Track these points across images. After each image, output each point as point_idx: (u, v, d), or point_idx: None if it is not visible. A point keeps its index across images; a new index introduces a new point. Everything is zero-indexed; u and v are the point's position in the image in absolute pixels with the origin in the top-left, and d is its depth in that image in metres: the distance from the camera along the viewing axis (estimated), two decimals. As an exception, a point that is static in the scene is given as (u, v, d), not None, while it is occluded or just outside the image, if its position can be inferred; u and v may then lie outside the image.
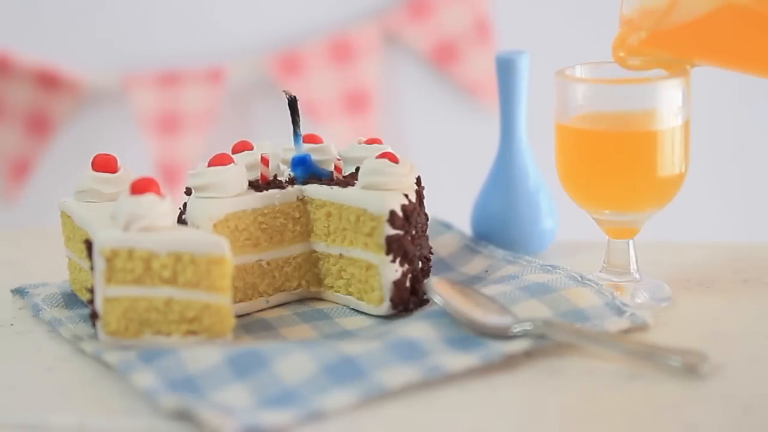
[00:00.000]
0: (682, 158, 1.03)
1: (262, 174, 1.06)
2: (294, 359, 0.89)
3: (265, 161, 1.05)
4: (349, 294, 1.05)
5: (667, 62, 1.02)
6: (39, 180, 2.03)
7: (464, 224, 1.19)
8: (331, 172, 1.07)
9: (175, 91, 1.98)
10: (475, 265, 1.11)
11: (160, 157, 1.98)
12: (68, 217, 1.06)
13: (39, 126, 2.00)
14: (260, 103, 2.02)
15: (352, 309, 1.05)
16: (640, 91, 1.02)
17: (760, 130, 2.01)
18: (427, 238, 1.05)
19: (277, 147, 1.10)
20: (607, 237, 1.06)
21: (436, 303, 0.97)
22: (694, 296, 1.05)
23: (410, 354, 0.91)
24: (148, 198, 0.95)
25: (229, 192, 1.02)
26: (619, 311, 0.99)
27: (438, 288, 0.97)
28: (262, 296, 1.05)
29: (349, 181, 1.05)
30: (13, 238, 1.31)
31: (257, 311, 1.05)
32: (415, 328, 0.94)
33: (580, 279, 1.02)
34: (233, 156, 1.05)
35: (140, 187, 0.96)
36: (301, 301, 1.08)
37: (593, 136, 1.02)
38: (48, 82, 1.98)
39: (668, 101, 1.01)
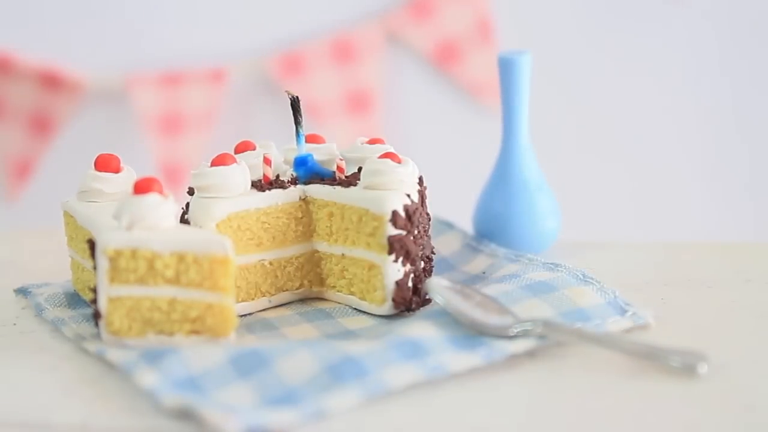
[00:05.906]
0: None
1: (264, 174, 1.06)
2: (296, 359, 0.89)
3: (267, 161, 1.06)
4: (352, 294, 1.05)
5: None
6: (41, 180, 2.03)
7: (466, 224, 1.19)
8: (334, 172, 1.07)
9: (177, 92, 1.97)
10: (477, 265, 1.11)
11: (163, 157, 1.98)
12: (71, 216, 1.06)
13: (41, 126, 2.00)
14: (262, 104, 2.02)
15: (355, 309, 1.05)
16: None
17: (763, 129, 2.01)
18: (429, 237, 1.05)
19: (280, 147, 1.10)
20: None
21: (437, 303, 0.97)
22: (695, 296, 1.05)
23: (412, 353, 0.91)
24: (151, 198, 0.95)
25: (231, 192, 1.02)
26: (621, 310, 0.99)
27: (439, 288, 0.97)
28: (264, 296, 1.05)
29: (352, 181, 1.05)
30: (16, 238, 1.31)
31: (260, 311, 1.05)
32: (417, 327, 0.94)
33: (582, 277, 1.02)
34: (236, 156, 1.05)
35: (143, 187, 0.96)
36: (304, 300, 1.08)
37: None
38: (50, 82, 1.98)
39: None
